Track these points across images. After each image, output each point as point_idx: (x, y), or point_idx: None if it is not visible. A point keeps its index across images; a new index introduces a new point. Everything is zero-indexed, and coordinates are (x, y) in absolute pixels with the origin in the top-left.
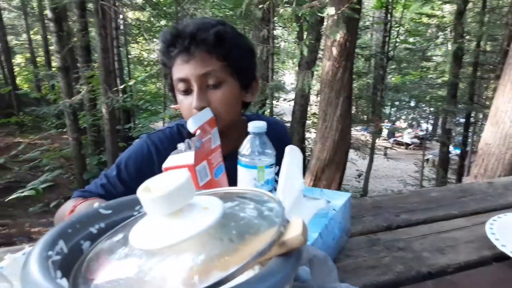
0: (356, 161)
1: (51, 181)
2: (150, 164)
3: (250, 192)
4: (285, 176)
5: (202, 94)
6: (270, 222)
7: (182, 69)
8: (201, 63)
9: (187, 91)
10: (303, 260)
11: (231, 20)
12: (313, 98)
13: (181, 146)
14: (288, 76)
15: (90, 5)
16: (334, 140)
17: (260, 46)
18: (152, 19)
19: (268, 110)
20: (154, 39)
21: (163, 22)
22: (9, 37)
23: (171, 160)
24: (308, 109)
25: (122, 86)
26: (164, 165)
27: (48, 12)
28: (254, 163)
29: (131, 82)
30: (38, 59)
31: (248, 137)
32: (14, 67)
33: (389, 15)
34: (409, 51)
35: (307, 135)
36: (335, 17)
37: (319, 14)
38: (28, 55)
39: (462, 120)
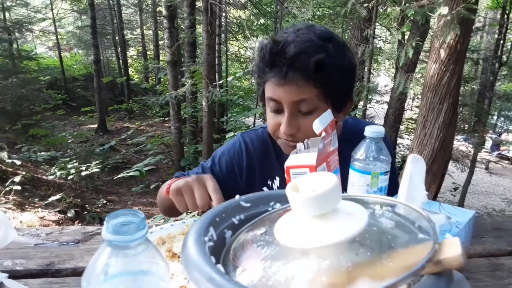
0: (453, 173)
1: (153, 165)
2: (239, 161)
3: (393, 202)
4: (407, 186)
5: (293, 119)
6: (418, 237)
7: (275, 91)
8: (296, 89)
9: (278, 111)
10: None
11: (332, 19)
12: (408, 102)
13: (300, 145)
14: (382, 77)
15: (199, 3)
16: (433, 148)
17: (361, 46)
18: (252, 17)
19: (360, 113)
20: (253, 37)
21: (262, 21)
22: (125, 31)
23: (293, 159)
24: (403, 113)
25: (221, 82)
26: (287, 164)
27: (162, 10)
28: (368, 168)
29: (230, 78)
30: (148, 52)
31: (364, 141)
32: (127, 59)
33: (505, 16)
34: None
35: (399, 140)
36: (449, 17)
37: (430, 14)
38: (140, 48)
39: None
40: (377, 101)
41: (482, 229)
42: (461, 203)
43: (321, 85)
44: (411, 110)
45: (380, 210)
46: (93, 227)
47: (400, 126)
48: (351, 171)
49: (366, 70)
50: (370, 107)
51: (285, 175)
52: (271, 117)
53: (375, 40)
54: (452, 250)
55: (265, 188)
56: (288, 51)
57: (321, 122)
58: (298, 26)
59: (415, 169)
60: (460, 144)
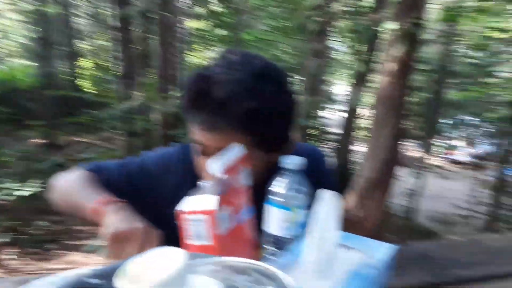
0: (405, 179)
1: None
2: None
3: (253, 266)
4: (317, 226)
5: None
6: None
7: (202, 135)
8: (225, 136)
9: (205, 153)
10: None
11: (286, 32)
12: (364, 112)
13: (205, 184)
14: (339, 87)
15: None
16: (384, 159)
17: (313, 60)
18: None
19: (314, 122)
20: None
21: (221, 32)
22: (79, 42)
23: (190, 202)
24: (358, 122)
25: (176, 94)
26: (182, 208)
27: (114, 21)
28: (287, 203)
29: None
30: (100, 63)
31: (282, 174)
32: (78, 69)
33: (452, 28)
34: (473, 66)
35: (353, 147)
36: (397, 32)
37: (378, 29)
38: (94, 59)
39: None
40: (334, 110)
41: (408, 258)
42: (413, 207)
43: (252, 134)
44: (366, 120)
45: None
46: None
47: (355, 134)
48: (268, 206)
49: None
50: (323, 117)
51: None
52: (200, 156)
53: (331, 52)
54: None
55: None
56: (216, 93)
57: (222, 162)
58: (233, 56)
59: (327, 206)
60: (412, 150)
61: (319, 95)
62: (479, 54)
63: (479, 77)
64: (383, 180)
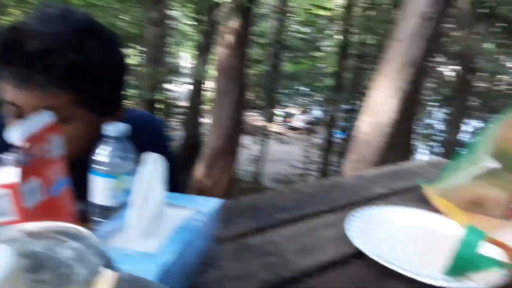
0: (251, 146)
1: None
2: None
3: (54, 228)
4: (140, 188)
5: None
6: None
7: (13, 94)
8: (42, 95)
9: (21, 117)
10: None
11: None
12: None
13: (8, 156)
14: (185, 59)
15: None
16: (227, 128)
17: (152, 29)
18: None
19: (160, 95)
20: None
21: None
22: None
23: None
24: (205, 94)
25: None
26: None
27: None
28: (112, 171)
29: None
30: None
31: (104, 142)
32: None
33: (284, 5)
34: (303, 41)
35: (202, 120)
36: (232, 5)
37: (215, 0)
38: None
39: (347, 107)
40: (182, 83)
41: (237, 211)
42: (259, 172)
43: (76, 91)
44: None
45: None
46: None
47: (203, 106)
48: (92, 176)
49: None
50: (171, 90)
51: None
52: (11, 121)
53: (173, 22)
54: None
55: None
56: (29, 45)
57: (23, 129)
58: (51, 9)
59: (150, 169)
60: (255, 119)
61: (164, 66)
62: (307, 29)
63: (309, 51)
64: (228, 148)
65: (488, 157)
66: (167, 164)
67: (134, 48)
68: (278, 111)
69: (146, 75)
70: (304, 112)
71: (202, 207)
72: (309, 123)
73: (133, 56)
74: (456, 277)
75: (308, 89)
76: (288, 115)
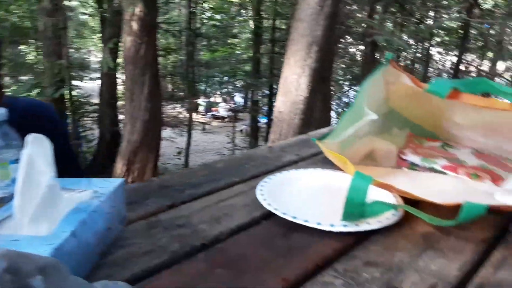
0: (175, 139)
1: None
2: None
3: None
4: (25, 172)
5: None
6: None
7: None
8: None
9: None
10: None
11: None
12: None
13: None
14: (93, 52)
15: None
16: (144, 120)
17: (47, 20)
18: None
19: (67, 92)
20: None
21: None
22: None
23: None
24: (120, 88)
25: None
26: None
27: None
28: None
29: None
30: None
31: None
32: None
33: None
34: (216, 28)
35: (121, 116)
36: None
37: None
38: None
39: (268, 92)
40: (91, 78)
41: (149, 191)
42: (186, 164)
43: None
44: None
45: None
46: None
47: (119, 102)
48: None
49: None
50: (79, 86)
51: None
52: None
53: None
54: None
55: None
56: None
57: None
58: None
59: (35, 151)
60: (177, 111)
61: (66, 61)
62: (219, 17)
63: (224, 38)
64: (148, 141)
65: (368, 111)
66: (64, 149)
67: (28, 43)
68: (200, 100)
69: (46, 71)
70: (226, 100)
71: (101, 188)
72: (232, 110)
73: (28, 52)
74: (354, 221)
75: (227, 77)
76: (211, 104)
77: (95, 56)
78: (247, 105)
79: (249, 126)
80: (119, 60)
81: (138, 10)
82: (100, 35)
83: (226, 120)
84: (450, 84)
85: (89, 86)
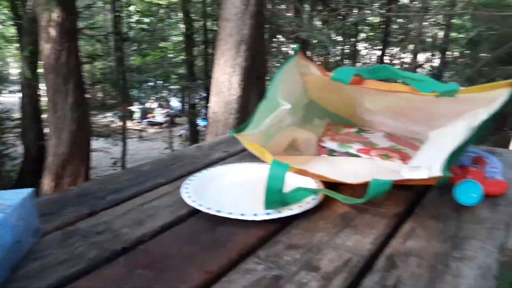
0: (109, 149)
1: None
2: None
3: None
4: None
5: None
6: None
7: None
8: None
9: None
10: None
11: None
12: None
13: None
14: (13, 65)
15: None
16: (70, 130)
17: None
18: None
19: None
20: None
21: None
22: None
23: None
24: (43, 100)
25: None
26: None
27: None
28: None
29: None
30: None
31: None
32: None
33: None
34: (144, 31)
35: (46, 130)
36: None
37: None
38: None
39: (205, 94)
40: (10, 91)
41: (66, 201)
42: None
43: None
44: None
45: None
46: None
47: (43, 115)
48: None
49: None
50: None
51: None
52: None
53: None
54: None
55: None
56: None
57: None
58: None
59: None
60: (109, 120)
61: None
62: (149, 20)
63: (154, 42)
64: (76, 153)
65: (282, 101)
66: None
67: None
68: (135, 107)
69: None
70: (162, 105)
71: (8, 200)
72: (169, 116)
73: None
74: (277, 209)
75: (161, 81)
76: (147, 111)
77: (15, 68)
78: (184, 109)
79: (188, 130)
80: (40, 70)
81: (55, 15)
82: (18, 44)
83: (163, 126)
84: (352, 71)
85: (9, 100)
